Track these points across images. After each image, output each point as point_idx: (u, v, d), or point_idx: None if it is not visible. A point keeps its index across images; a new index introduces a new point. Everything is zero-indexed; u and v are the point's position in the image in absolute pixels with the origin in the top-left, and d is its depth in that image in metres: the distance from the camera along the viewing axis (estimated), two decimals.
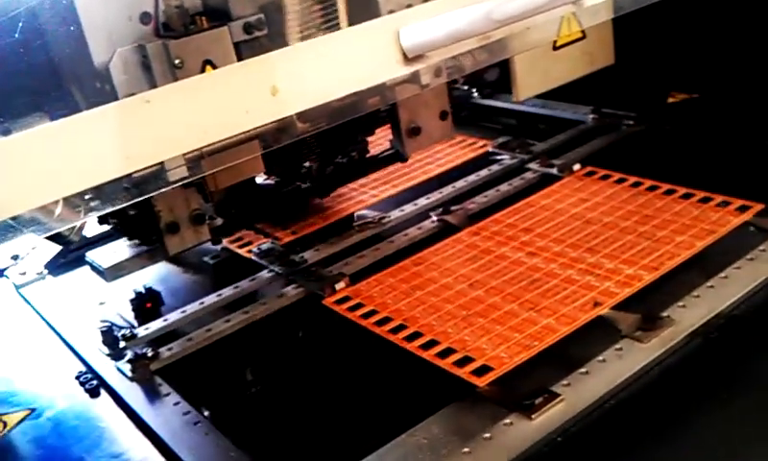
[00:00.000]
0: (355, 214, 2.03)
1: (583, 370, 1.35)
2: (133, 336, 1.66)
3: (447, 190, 2.08)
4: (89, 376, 1.59)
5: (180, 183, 1.17)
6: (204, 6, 1.31)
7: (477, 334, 1.47)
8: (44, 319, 1.84)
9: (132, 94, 1.13)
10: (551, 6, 1.21)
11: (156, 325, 1.69)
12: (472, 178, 2.13)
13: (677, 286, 1.53)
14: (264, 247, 1.93)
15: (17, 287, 2.02)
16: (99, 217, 1.71)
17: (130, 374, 1.55)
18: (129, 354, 1.59)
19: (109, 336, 1.65)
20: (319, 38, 1.26)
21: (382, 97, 1.37)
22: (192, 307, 1.74)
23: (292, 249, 1.92)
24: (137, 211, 1.62)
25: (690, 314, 1.44)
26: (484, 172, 2.16)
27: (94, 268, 1.77)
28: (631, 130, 2.25)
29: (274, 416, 1.53)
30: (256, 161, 1.58)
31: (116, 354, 1.62)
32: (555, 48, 2.09)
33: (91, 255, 1.77)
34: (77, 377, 1.59)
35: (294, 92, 1.13)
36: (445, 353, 1.43)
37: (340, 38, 1.22)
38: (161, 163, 1.11)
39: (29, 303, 1.93)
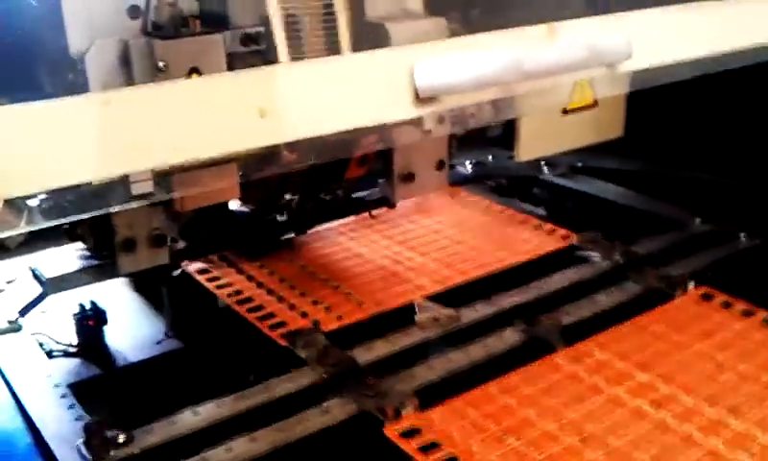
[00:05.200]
0: (416, 304, 1.64)
1: None
2: (131, 440, 1.25)
3: (530, 290, 1.69)
4: None
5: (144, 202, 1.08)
6: (201, 9, 1.21)
7: None
8: (14, 395, 1.41)
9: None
10: (584, 66, 1.14)
11: (161, 429, 1.28)
12: (559, 278, 1.74)
13: None
14: (301, 333, 1.53)
15: None
16: None
17: None
18: None
19: (97, 437, 1.24)
20: (320, 60, 1.14)
21: (381, 138, 1.29)
22: (207, 409, 1.33)
23: (335, 339, 1.53)
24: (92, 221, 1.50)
25: None
26: (571, 272, 1.77)
27: (36, 276, 1.69)
28: (746, 244, 1.88)
29: None
30: (232, 186, 1.42)
31: None
32: (564, 112, 1.83)
33: (35, 262, 1.70)
34: None
35: (284, 118, 0.99)
36: None
37: (344, 64, 1.10)
38: (125, 176, 0.99)
39: None
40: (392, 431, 1.27)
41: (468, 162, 2.34)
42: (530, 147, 1.90)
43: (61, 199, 0.98)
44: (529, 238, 1.95)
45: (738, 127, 2.09)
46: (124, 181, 1.01)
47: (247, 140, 1.01)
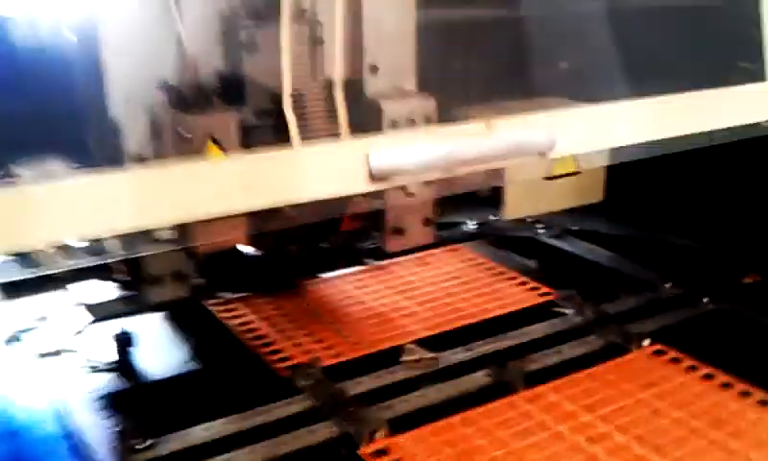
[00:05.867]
0: (404, 347, 1.90)
1: None
2: (152, 446, 1.53)
3: (506, 340, 1.94)
4: None
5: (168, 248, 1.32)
6: (222, 87, 1.45)
7: None
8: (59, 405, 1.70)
9: (138, 154, 1.39)
10: (511, 155, 1.39)
11: (177, 439, 1.55)
12: (532, 330, 1.99)
13: None
14: (301, 367, 1.80)
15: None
16: None
17: None
18: None
19: (125, 443, 1.52)
20: (305, 146, 1.34)
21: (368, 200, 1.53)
22: (216, 425, 1.60)
23: (331, 373, 1.79)
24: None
25: None
26: (545, 325, 2.01)
27: (83, 304, 2.02)
28: (706, 308, 2.11)
29: None
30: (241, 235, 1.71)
31: None
32: (548, 178, 2.09)
33: (77, 290, 2.03)
34: None
35: (264, 190, 1.24)
36: None
37: (314, 151, 1.32)
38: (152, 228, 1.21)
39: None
40: (365, 452, 1.52)
41: (470, 222, 2.60)
42: (515, 207, 2.15)
43: (102, 243, 1.23)
44: (514, 293, 2.20)
45: (713, 195, 2.33)
46: (151, 230, 1.25)
47: (236, 204, 1.23)
